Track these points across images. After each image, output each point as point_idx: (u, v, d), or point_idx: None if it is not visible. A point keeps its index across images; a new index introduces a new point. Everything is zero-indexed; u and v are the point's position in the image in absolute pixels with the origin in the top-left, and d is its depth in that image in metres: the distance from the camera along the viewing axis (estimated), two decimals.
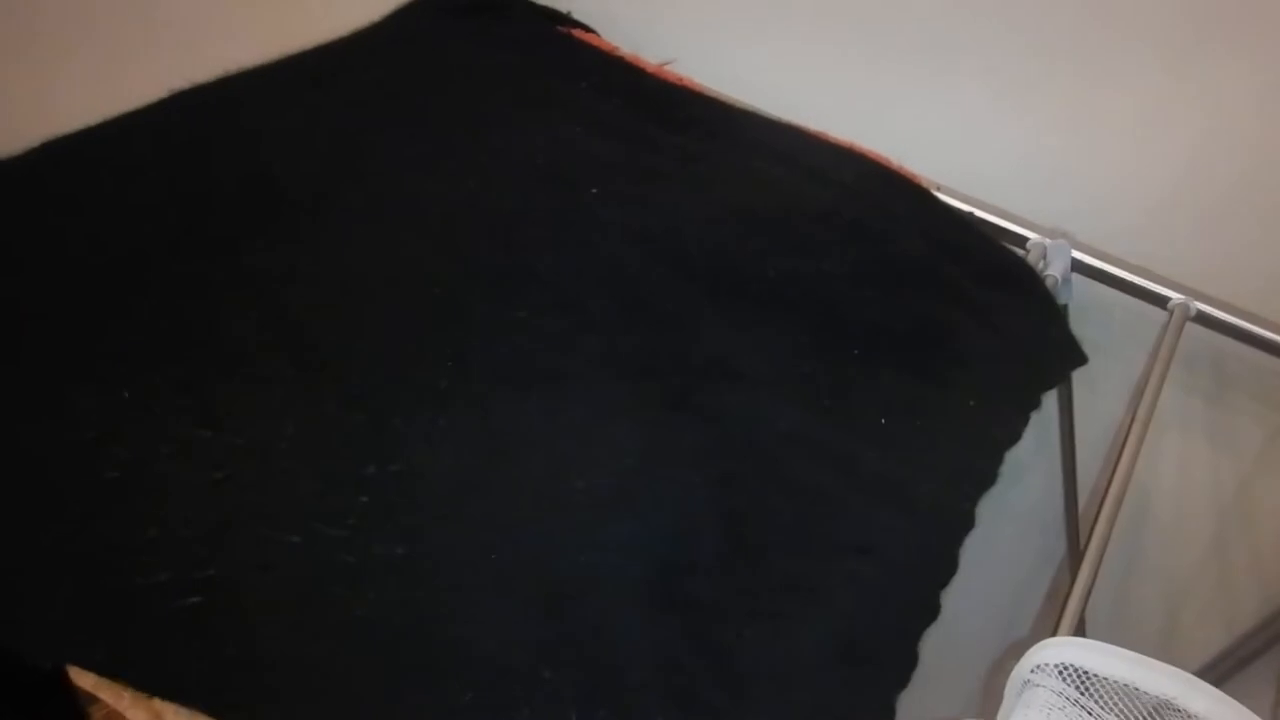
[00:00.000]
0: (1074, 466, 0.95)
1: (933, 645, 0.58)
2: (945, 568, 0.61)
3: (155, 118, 0.70)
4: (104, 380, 0.52)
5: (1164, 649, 0.99)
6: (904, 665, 0.56)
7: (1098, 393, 0.92)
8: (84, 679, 0.43)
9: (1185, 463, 0.92)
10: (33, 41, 1.30)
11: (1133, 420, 0.73)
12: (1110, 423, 0.92)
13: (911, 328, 0.72)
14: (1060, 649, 0.55)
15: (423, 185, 0.70)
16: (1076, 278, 0.85)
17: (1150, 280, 0.83)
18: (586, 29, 0.94)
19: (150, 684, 0.44)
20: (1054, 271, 0.84)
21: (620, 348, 0.62)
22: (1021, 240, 0.85)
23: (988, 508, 0.65)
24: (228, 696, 0.44)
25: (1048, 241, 0.85)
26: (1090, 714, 0.52)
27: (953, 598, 0.60)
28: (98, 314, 0.56)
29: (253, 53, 0.79)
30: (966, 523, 0.63)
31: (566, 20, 0.94)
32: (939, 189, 0.84)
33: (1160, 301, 0.82)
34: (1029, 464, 0.96)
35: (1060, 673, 0.54)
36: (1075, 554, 0.91)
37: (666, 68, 0.90)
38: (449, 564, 0.49)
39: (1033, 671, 0.55)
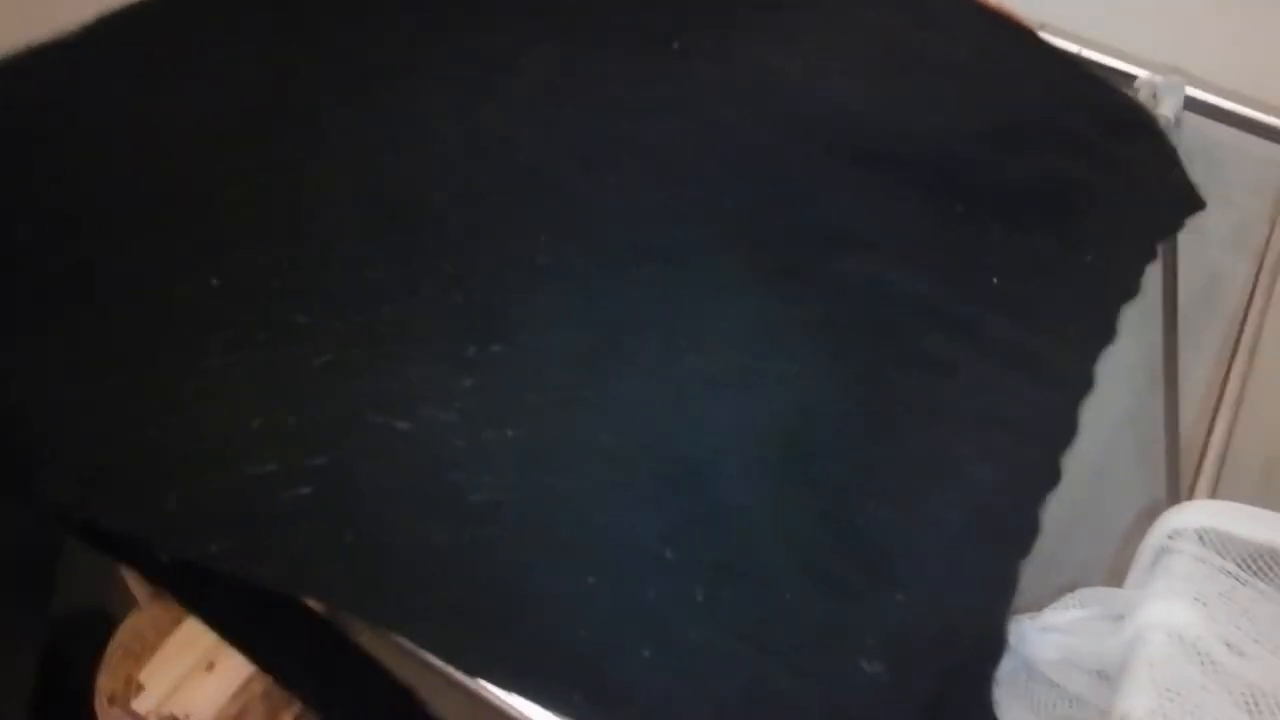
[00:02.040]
0: (1175, 323, 0.91)
1: (1056, 513, 0.55)
2: (1069, 431, 0.58)
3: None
4: (197, 267, 0.50)
5: None
6: (1028, 533, 0.54)
7: (1209, 242, 0.87)
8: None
9: None
10: None
11: (1260, 270, 0.69)
12: (1221, 275, 0.88)
13: (1025, 182, 0.67)
14: (1200, 512, 0.52)
15: (504, 53, 0.66)
16: (1190, 117, 0.80)
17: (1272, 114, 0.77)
18: None
19: (269, 577, 0.43)
20: (1166, 111, 0.78)
21: (725, 216, 0.58)
22: (1130, 79, 0.79)
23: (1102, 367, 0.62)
24: (350, 583, 0.43)
25: (1159, 79, 0.79)
26: (1238, 580, 0.50)
27: (1075, 463, 0.58)
28: (184, 198, 0.53)
29: None
30: (1087, 382, 0.61)
31: None
32: (1043, 28, 0.78)
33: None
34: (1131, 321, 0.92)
35: (1200, 538, 0.52)
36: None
37: None
38: (563, 447, 0.47)
39: (1170, 538, 0.53)
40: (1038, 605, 0.56)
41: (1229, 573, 0.51)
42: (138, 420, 0.46)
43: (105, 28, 0.62)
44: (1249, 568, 0.51)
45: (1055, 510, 0.56)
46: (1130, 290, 0.66)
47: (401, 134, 0.59)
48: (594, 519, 0.45)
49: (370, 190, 0.56)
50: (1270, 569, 0.51)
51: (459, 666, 0.41)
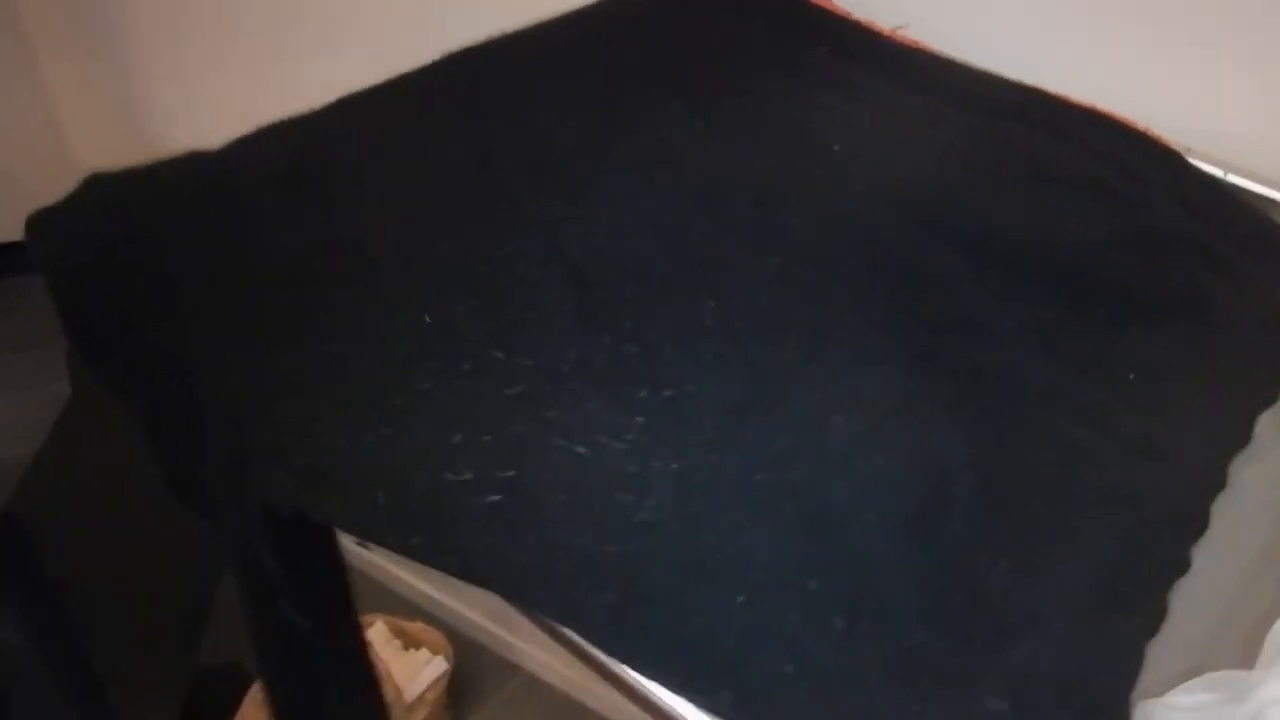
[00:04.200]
0: None
1: (1187, 599, 0.57)
2: (1198, 523, 0.61)
3: (433, 80, 0.77)
4: (412, 307, 0.58)
5: None
6: (1155, 615, 0.56)
7: None
8: None
9: None
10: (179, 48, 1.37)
11: None
12: None
13: (1163, 293, 0.71)
14: None
15: (680, 146, 0.74)
16: None
17: None
18: None
19: (459, 568, 0.49)
20: None
21: (871, 300, 0.64)
22: (1274, 204, 0.83)
23: (1237, 472, 0.64)
24: (525, 581, 0.49)
25: None
26: None
27: (1204, 558, 0.60)
28: (404, 252, 0.62)
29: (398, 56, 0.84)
30: (1219, 480, 0.63)
31: None
32: (1189, 152, 0.82)
33: None
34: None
35: None
36: None
37: (900, 32, 0.91)
38: (720, 481, 0.53)
39: None
40: (1165, 689, 0.57)
41: None
42: (356, 429, 0.53)
43: (340, 108, 0.73)
44: None
45: (1189, 596, 0.58)
46: (1268, 400, 0.69)
47: (591, 210, 0.67)
48: (744, 546, 0.50)
49: (560, 255, 0.63)
50: None
51: (615, 655, 0.46)
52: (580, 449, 0.52)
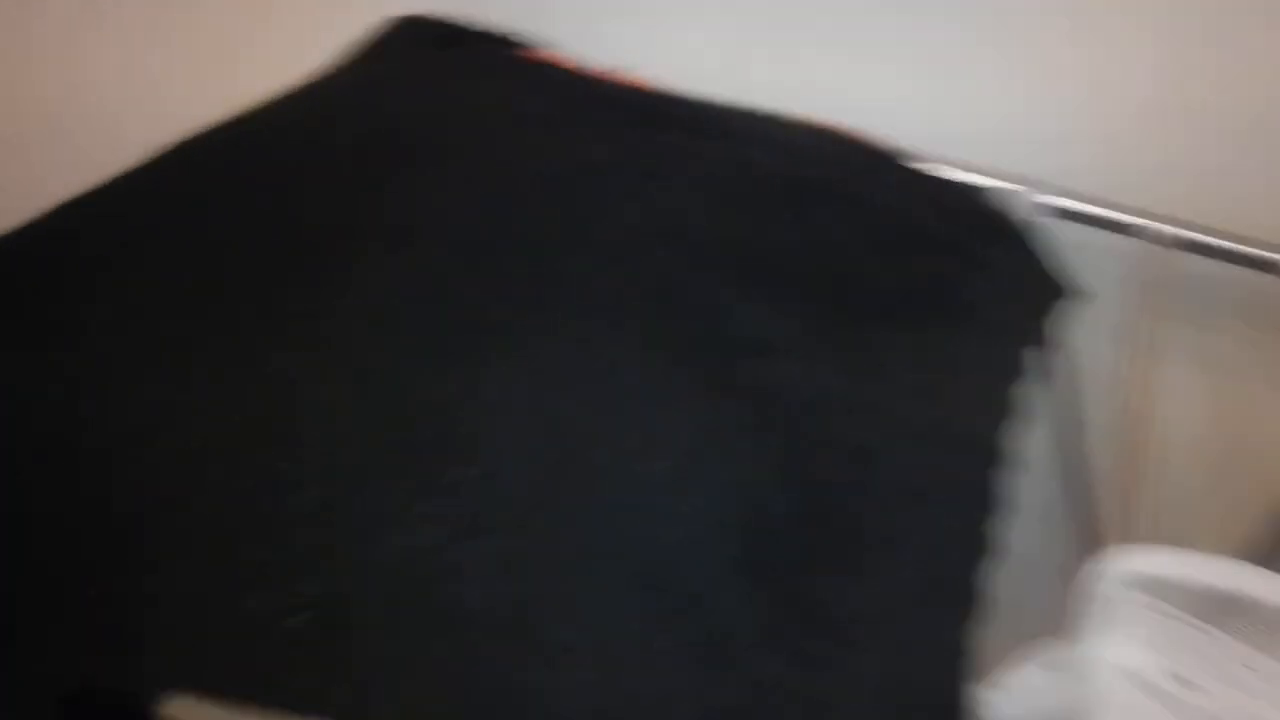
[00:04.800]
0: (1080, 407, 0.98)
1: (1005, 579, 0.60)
2: (991, 502, 0.63)
3: (162, 171, 0.70)
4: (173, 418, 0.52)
5: None
6: (979, 602, 0.58)
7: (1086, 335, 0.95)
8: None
9: (1182, 391, 0.95)
10: None
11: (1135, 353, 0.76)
12: (1102, 362, 0.95)
13: (916, 283, 0.74)
14: (1140, 559, 0.57)
15: (439, 208, 0.70)
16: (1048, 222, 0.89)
17: (1120, 212, 0.87)
18: (532, 46, 0.96)
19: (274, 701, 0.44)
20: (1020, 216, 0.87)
21: (654, 337, 0.63)
22: (980, 191, 0.88)
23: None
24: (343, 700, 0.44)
25: (1008, 191, 0.88)
26: (1184, 622, 0.54)
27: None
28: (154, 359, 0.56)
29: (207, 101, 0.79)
30: (999, 455, 0.66)
31: (518, 43, 0.96)
32: (912, 155, 0.87)
33: (1135, 232, 0.86)
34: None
35: (1140, 584, 0.57)
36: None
37: (618, 72, 0.92)
38: (545, 556, 0.50)
39: (1112, 584, 0.57)
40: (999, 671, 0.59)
41: (1176, 616, 0.55)
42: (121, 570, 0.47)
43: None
44: (1192, 611, 0.56)
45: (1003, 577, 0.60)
46: (1019, 371, 0.73)
47: (353, 294, 0.63)
48: (583, 618, 0.48)
49: (325, 340, 0.59)
50: (1213, 613, 0.56)
51: None
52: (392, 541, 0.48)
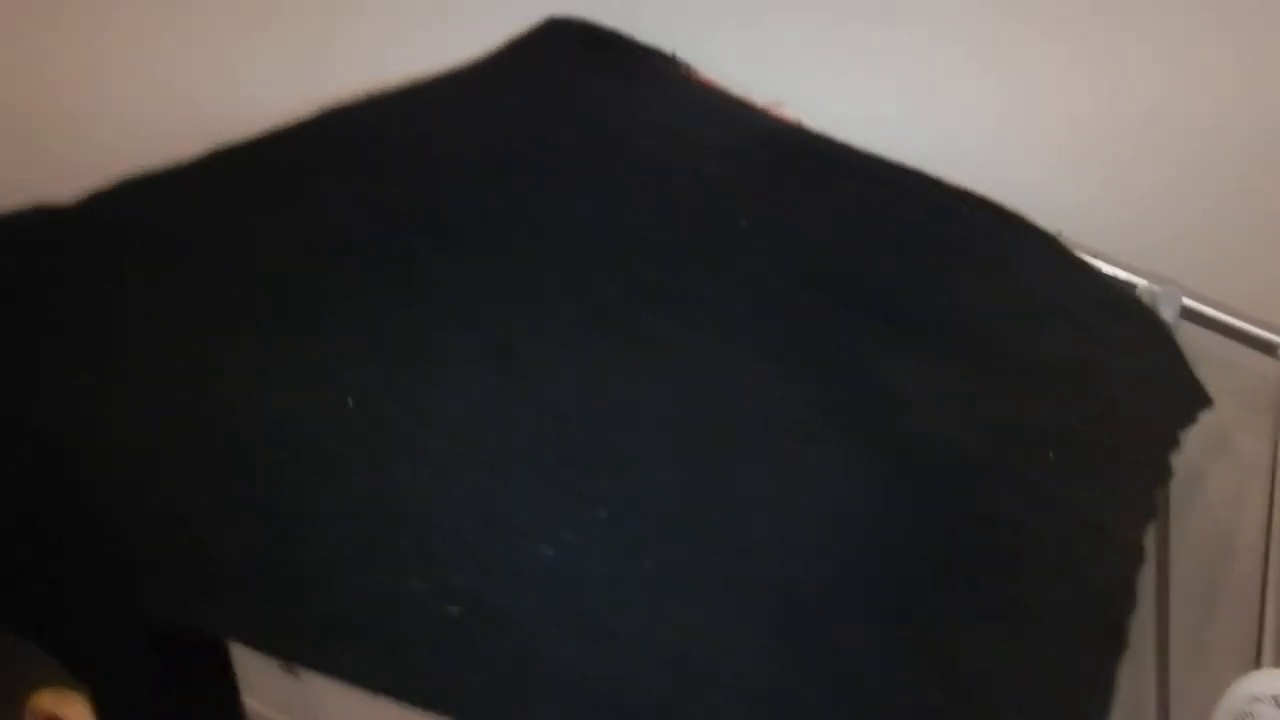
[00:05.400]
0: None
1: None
2: (1130, 597, 0.61)
3: (309, 133, 0.70)
4: (326, 387, 0.51)
5: None
6: (1106, 693, 0.56)
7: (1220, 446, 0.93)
8: None
9: None
10: None
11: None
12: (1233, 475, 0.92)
13: (1055, 361, 0.73)
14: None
15: (577, 211, 0.70)
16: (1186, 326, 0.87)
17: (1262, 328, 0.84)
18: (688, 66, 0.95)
19: (413, 693, 0.42)
20: (1165, 317, 0.85)
21: (802, 375, 0.62)
22: (1131, 288, 0.86)
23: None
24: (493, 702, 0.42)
25: (1156, 288, 0.86)
26: None
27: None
28: (305, 321, 0.55)
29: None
30: (1139, 553, 0.64)
31: (673, 60, 0.95)
32: (1059, 234, 0.85)
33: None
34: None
35: (1276, 702, 0.54)
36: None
37: (777, 107, 0.91)
38: (693, 582, 0.48)
39: (1248, 702, 0.55)
40: None
41: None
42: (275, 529, 0.46)
43: (209, 162, 0.65)
44: None
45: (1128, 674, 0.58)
46: (1165, 473, 0.71)
47: (491, 274, 0.62)
48: (728, 647, 0.46)
49: (470, 322, 0.58)
50: None
51: None
52: (545, 549, 0.46)
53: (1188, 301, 0.86)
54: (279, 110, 0.72)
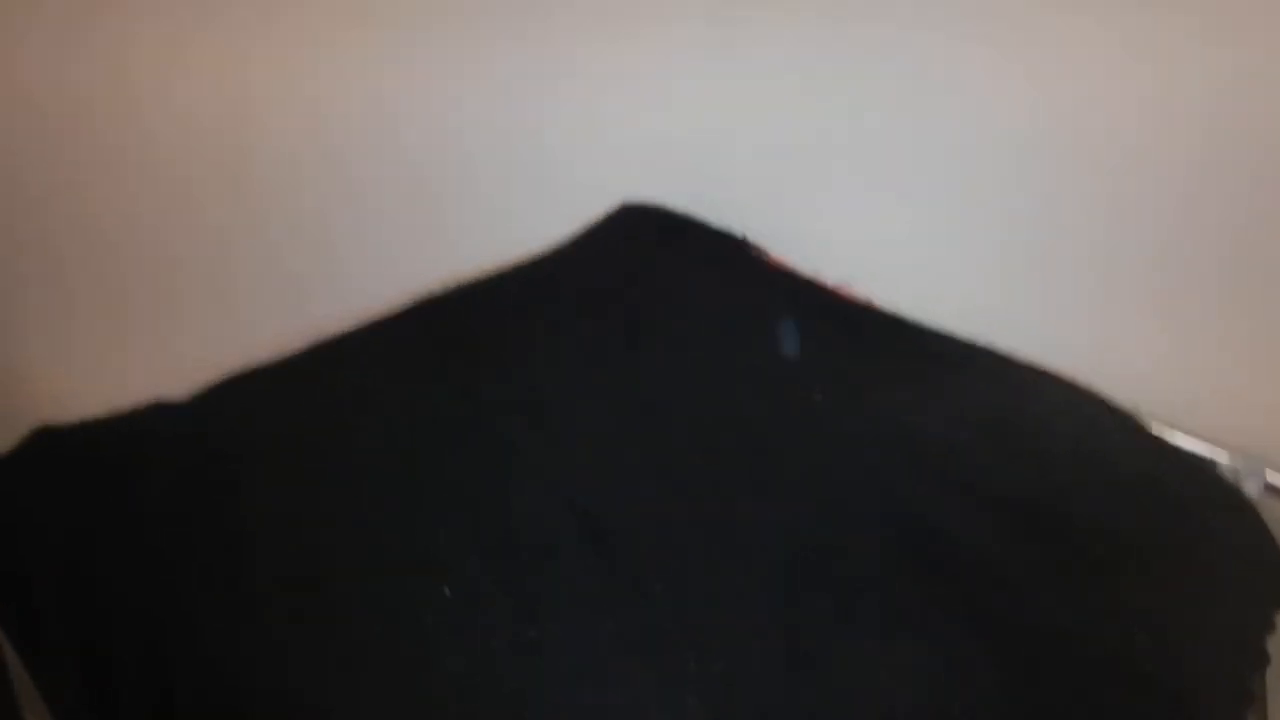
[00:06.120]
0: None
1: None
2: None
3: (405, 324, 0.74)
4: (427, 575, 0.53)
5: None
6: None
7: None
8: None
9: None
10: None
11: None
12: None
13: (1146, 541, 0.72)
14: None
15: (664, 393, 0.72)
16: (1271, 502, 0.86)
17: None
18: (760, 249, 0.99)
19: None
20: (1249, 491, 0.84)
21: (891, 554, 0.62)
22: (1213, 464, 0.86)
23: None
24: None
25: (1239, 463, 0.86)
26: None
27: None
28: (407, 515, 0.57)
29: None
30: None
31: (743, 242, 0.99)
32: (1136, 413, 0.85)
33: None
34: None
35: None
36: None
37: (845, 287, 0.94)
38: None
39: None
40: None
41: None
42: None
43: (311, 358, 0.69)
44: None
45: None
46: (1263, 659, 0.69)
47: (576, 460, 0.64)
48: None
49: (564, 510, 0.60)
50: None
51: None
52: None
53: (1271, 476, 0.86)
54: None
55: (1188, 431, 0.86)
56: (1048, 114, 0.88)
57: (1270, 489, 0.85)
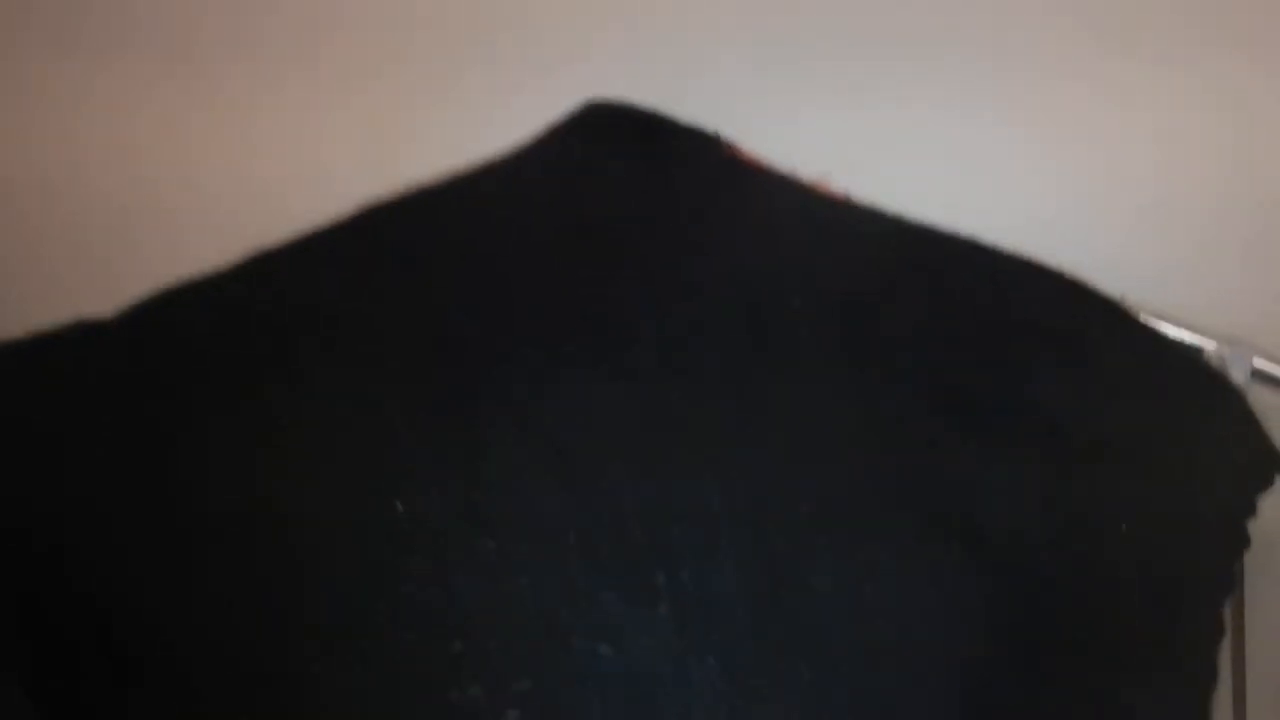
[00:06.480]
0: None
1: None
2: (1212, 673, 0.59)
3: (355, 233, 0.71)
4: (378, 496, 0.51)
5: None
6: None
7: None
8: None
9: None
10: None
11: None
12: None
13: (1127, 437, 0.71)
14: None
15: (635, 308, 0.70)
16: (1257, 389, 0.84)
17: None
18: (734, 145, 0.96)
19: None
20: (1236, 377, 0.83)
21: (870, 464, 0.61)
22: (1198, 351, 0.84)
23: None
24: None
25: (1226, 350, 0.84)
26: None
27: None
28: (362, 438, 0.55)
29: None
30: (1222, 628, 0.62)
31: (716, 139, 0.96)
32: (1121, 299, 0.83)
33: None
34: None
35: None
36: None
37: (824, 181, 0.91)
38: (756, 676, 0.47)
39: None
40: None
41: None
42: (325, 642, 0.45)
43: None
44: None
45: None
46: (1243, 541, 0.68)
47: (560, 389, 0.62)
48: None
49: (539, 434, 0.58)
50: None
51: None
52: (603, 648, 0.46)
53: (1259, 363, 0.84)
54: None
55: (1174, 320, 0.85)
56: None
57: (1257, 374, 0.84)
